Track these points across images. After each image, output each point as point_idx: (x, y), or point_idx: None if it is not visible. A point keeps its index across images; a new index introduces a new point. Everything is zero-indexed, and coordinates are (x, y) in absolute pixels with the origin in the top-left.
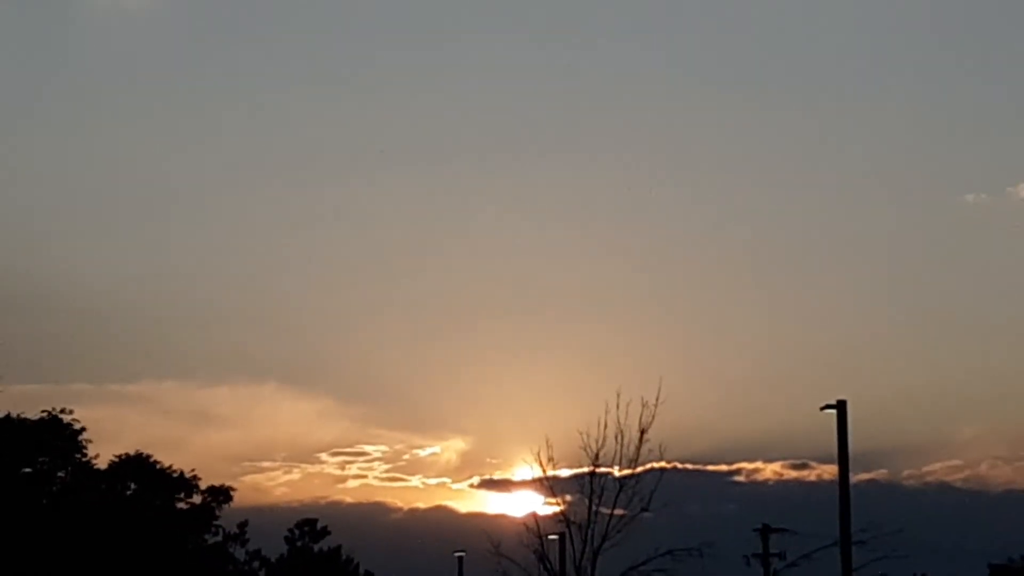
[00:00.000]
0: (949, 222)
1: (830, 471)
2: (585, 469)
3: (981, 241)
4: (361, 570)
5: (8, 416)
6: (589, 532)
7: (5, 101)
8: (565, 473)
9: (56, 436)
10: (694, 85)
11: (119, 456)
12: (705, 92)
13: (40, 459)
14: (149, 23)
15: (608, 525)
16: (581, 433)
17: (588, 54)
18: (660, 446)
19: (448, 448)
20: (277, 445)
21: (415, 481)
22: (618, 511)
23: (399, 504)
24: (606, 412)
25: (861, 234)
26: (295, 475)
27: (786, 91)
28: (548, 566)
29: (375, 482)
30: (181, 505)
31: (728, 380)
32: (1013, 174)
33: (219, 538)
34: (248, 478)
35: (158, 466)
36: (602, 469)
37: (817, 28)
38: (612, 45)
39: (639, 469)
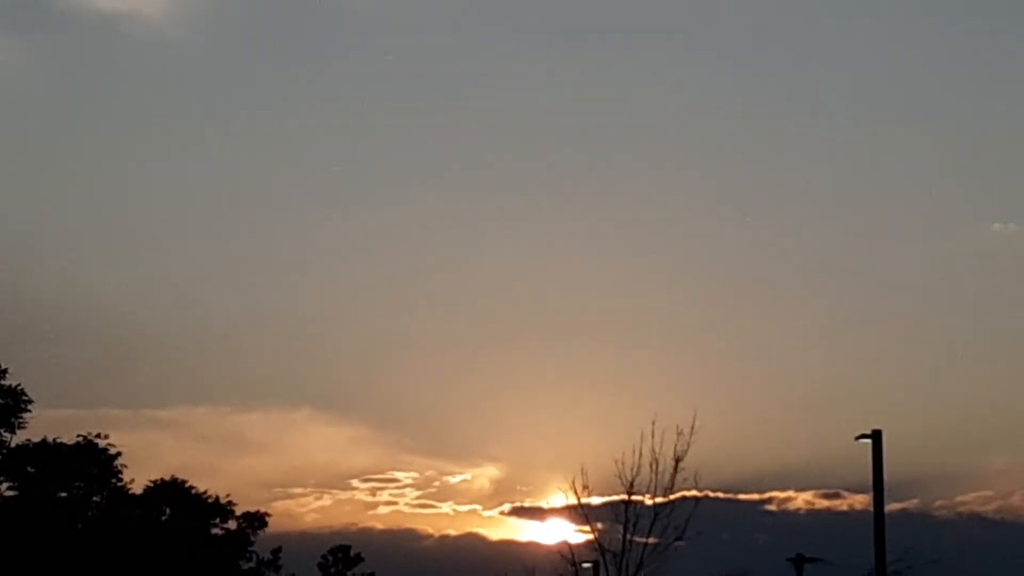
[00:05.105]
0: (980, 251)
1: (861, 500)
2: (617, 497)
3: (1012, 271)
4: None
5: (44, 441)
6: (623, 561)
7: (40, 127)
8: (596, 501)
9: (91, 461)
10: (729, 109)
11: (154, 481)
12: (740, 116)
13: (76, 484)
14: (187, 50)
15: (642, 554)
16: (616, 461)
17: (626, 77)
18: (695, 475)
19: (479, 475)
20: (308, 471)
21: (446, 508)
22: (652, 540)
23: (430, 531)
24: (641, 440)
25: (895, 264)
26: (326, 501)
27: (816, 117)
28: None
29: (406, 509)
30: (216, 530)
31: (761, 409)
32: None
33: (253, 564)
34: (279, 504)
35: (193, 491)
36: (636, 497)
37: (845, 52)
38: (649, 66)
39: (672, 497)
